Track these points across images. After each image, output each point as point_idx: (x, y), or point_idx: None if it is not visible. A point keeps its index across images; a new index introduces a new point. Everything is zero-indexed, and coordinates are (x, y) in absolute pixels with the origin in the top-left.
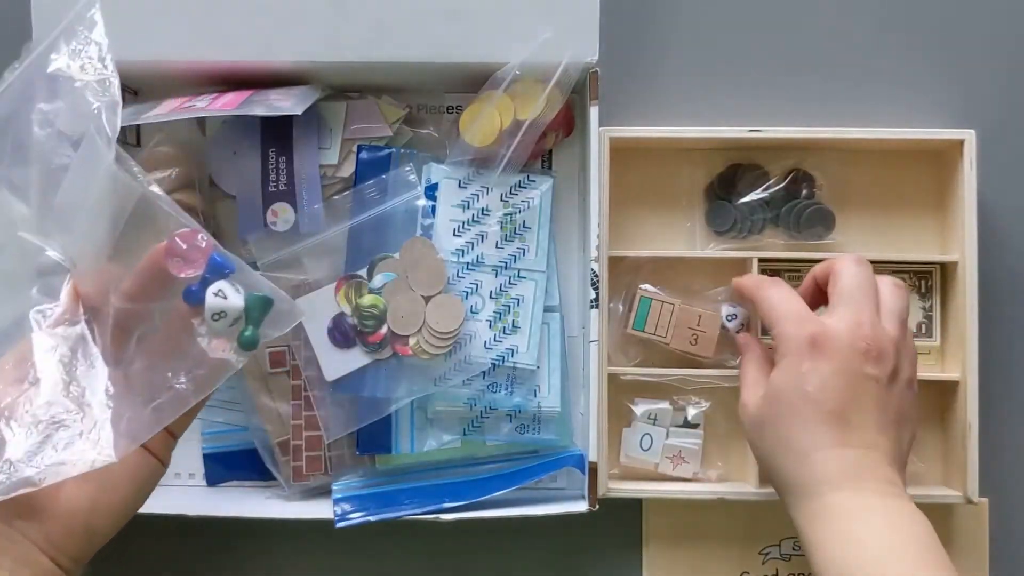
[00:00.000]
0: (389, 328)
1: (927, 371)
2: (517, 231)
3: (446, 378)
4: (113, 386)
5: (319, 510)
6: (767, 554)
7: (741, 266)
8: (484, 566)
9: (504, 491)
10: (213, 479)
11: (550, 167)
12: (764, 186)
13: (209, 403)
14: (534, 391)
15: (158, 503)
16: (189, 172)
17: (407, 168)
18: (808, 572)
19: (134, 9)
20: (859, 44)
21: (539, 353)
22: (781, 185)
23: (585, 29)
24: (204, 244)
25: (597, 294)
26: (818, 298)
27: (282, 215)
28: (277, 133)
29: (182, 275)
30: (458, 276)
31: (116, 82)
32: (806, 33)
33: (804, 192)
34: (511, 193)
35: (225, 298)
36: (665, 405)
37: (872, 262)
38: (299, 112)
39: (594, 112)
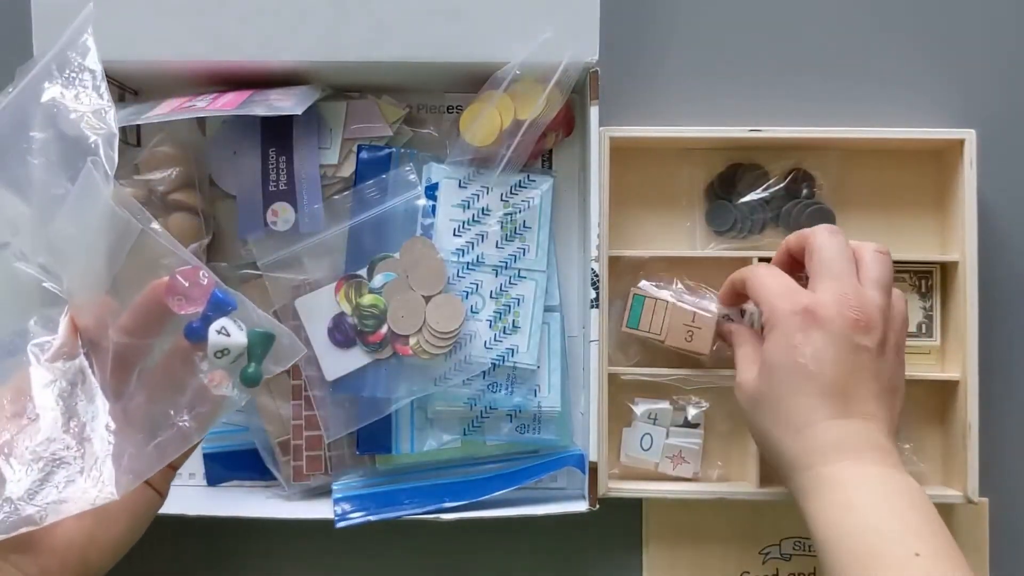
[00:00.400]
0: (389, 328)
1: (927, 371)
2: (517, 231)
3: (446, 378)
4: (114, 421)
5: (319, 510)
6: (767, 554)
7: (741, 266)
8: (484, 566)
9: (504, 491)
10: (213, 479)
11: (550, 167)
12: (764, 186)
13: None
14: (534, 391)
15: None
16: (189, 172)
17: (407, 168)
18: (808, 572)
19: (134, 9)
20: (859, 44)
21: (539, 353)
22: (781, 185)
23: (585, 29)
24: (206, 281)
25: (597, 294)
26: (793, 269)
27: (282, 215)
28: (277, 133)
29: (184, 312)
30: (458, 276)
31: (112, 112)
32: (806, 33)
33: (804, 192)
34: (511, 193)
35: (228, 335)
36: (665, 405)
37: None
38: (299, 112)
39: (594, 112)
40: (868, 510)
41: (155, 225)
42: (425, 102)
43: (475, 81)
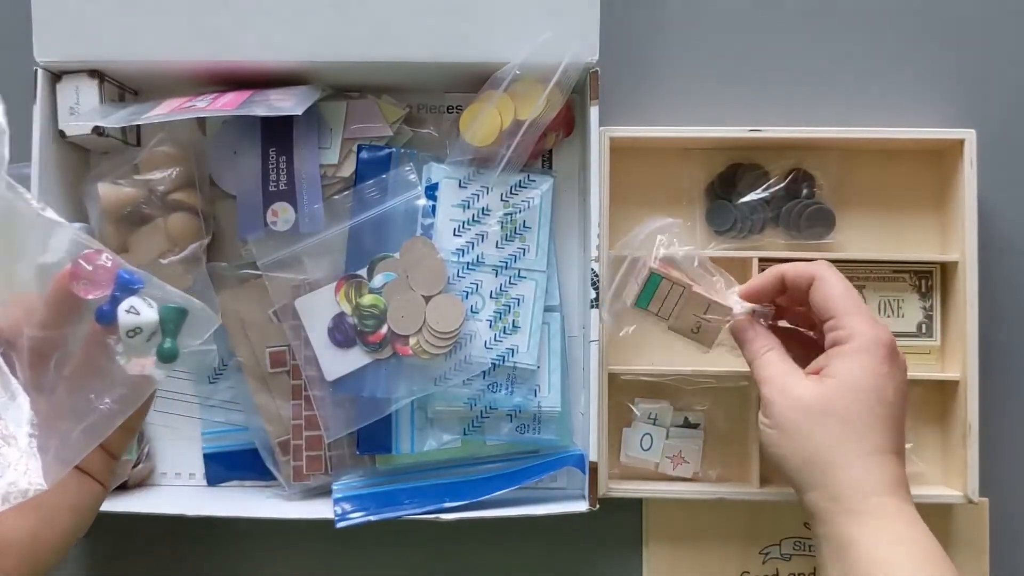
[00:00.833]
0: (389, 328)
1: (927, 371)
2: (517, 231)
3: (446, 378)
4: (37, 415)
5: (319, 510)
6: (767, 554)
7: (741, 266)
8: (484, 566)
9: (504, 491)
10: (213, 479)
11: (550, 167)
12: (764, 186)
13: (209, 403)
14: (534, 391)
15: (158, 503)
16: (189, 172)
17: (407, 168)
18: (808, 572)
19: (134, 9)
20: (859, 44)
21: (539, 353)
22: (781, 185)
23: (585, 29)
24: (110, 263)
25: (597, 294)
26: (776, 295)
27: (282, 215)
28: (277, 133)
29: (91, 296)
30: (458, 276)
31: (2, 107)
32: (806, 33)
33: (804, 192)
34: (511, 193)
35: (138, 314)
36: (665, 405)
37: (872, 262)
38: (299, 112)
39: (594, 112)
40: (914, 550)
41: (50, 213)
42: (425, 102)
43: (475, 81)
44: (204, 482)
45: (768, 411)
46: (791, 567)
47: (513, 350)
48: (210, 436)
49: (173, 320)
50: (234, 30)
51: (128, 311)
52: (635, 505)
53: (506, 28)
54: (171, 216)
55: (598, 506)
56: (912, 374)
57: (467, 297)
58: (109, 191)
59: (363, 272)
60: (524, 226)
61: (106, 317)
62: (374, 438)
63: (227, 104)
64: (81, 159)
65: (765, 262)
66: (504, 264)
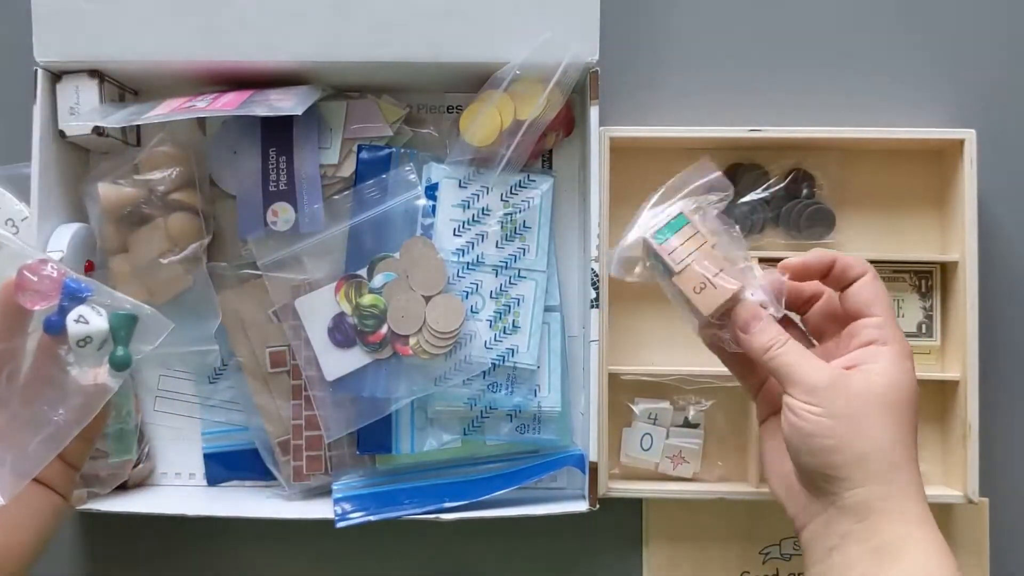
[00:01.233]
0: (389, 328)
1: (927, 371)
2: (517, 231)
3: (446, 378)
4: None
5: (319, 510)
6: (767, 554)
7: None
8: (484, 566)
9: (504, 491)
10: (213, 479)
11: (550, 167)
12: (764, 186)
13: (209, 403)
14: (534, 391)
15: (158, 503)
16: (189, 172)
17: (407, 168)
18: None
19: (134, 9)
20: (859, 44)
21: (539, 353)
22: (781, 185)
23: (585, 29)
24: (56, 273)
25: (597, 294)
26: (816, 277)
27: (282, 215)
28: (277, 133)
29: (38, 307)
30: (458, 276)
31: None
32: (806, 33)
33: (804, 192)
34: (511, 193)
35: (87, 323)
36: (665, 405)
37: (872, 262)
38: (299, 112)
39: (594, 112)
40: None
41: None
42: (425, 102)
43: (475, 81)
44: (204, 482)
45: (820, 397)
46: (791, 567)
47: (513, 350)
48: (210, 436)
49: (124, 327)
50: (234, 30)
51: (77, 320)
52: (635, 505)
53: (506, 28)
54: (171, 216)
55: (598, 506)
56: None
57: (467, 297)
58: (109, 191)
59: (363, 272)
60: (524, 226)
61: (55, 327)
62: (374, 438)
63: (227, 104)
64: (81, 159)
65: (765, 262)
66: (504, 264)
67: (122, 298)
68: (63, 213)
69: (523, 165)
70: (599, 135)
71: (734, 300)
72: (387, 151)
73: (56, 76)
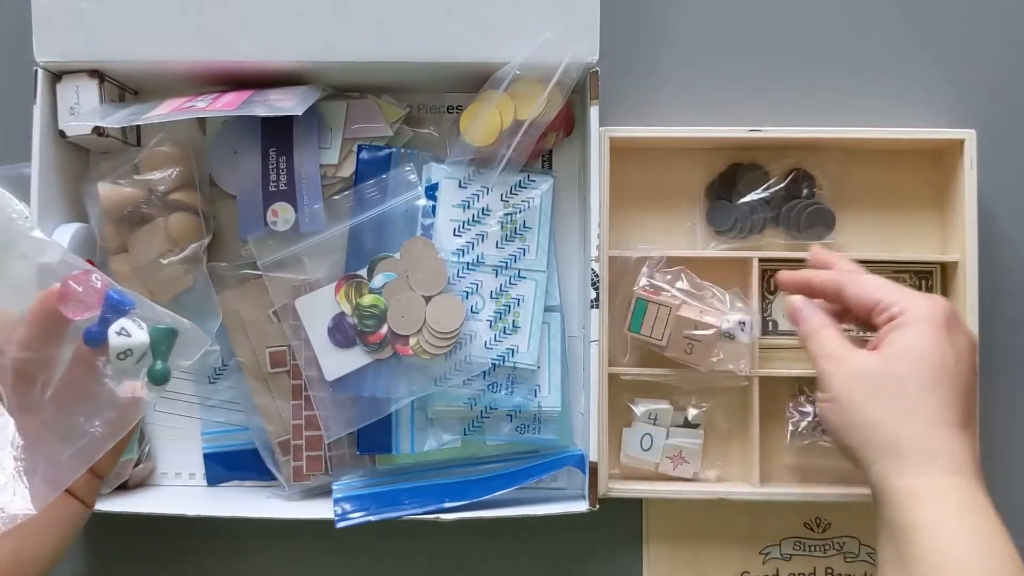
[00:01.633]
0: (389, 328)
1: None
2: (517, 231)
3: (446, 378)
4: (23, 438)
5: (319, 510)
6: (767, 554)
7: (742, 266)
8: (484, 566)
9: (504, 491)
10: (213, 479)
11: (550, 167)
12: (764, 186)
13: (209, 403)
14: (534, 391)
15: (158, 503)
16: (189, 172)
17: (407, 168)
18: (808, 572)
19: (134, 9)
20: (859, 44)
21: (539, 353)
22: (781, 185)
23: (585, 29)
24: (99, 284)
25: (597, 294)
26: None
27: (282, 215)
28: (277, 133)
29: (79, 318)
30: (458, 276)
31: None
32: (806, 33)
33: (804, 192)
34: (511, 193)
35: (129, 335)
36: (665, 405)
37: (873, 262)
38: (299, 112)
39: (594, 112)
40: (989, 530)
41: (37, 233)
42: (425, 102)
43: (475, 81)
44: (204, 482)
45: (826, 385)
46: (791, 567)
47: (513, 350)
48: (210, 436)
49: (164, 341)
50: (234, 30)
51: (119, 333)
52: (635, 505)
53: (506, 28)
54: (171, 216)
55: (598, 506)
56: None
57: (467, 297)
58: (109, 191)
59: (363, 272)
60: (524, 226)
61: (95, 339)
62: (374, 438)
63: (227, 104)
64: (81, 159)
65: (765, 262)
66: (504, 264)
67: (163, 312)
68: (63, 213)
69: (523, 165)
70: (599, 135)
71: (716, 337)
72: (387, 151)
73: (56, 76)
